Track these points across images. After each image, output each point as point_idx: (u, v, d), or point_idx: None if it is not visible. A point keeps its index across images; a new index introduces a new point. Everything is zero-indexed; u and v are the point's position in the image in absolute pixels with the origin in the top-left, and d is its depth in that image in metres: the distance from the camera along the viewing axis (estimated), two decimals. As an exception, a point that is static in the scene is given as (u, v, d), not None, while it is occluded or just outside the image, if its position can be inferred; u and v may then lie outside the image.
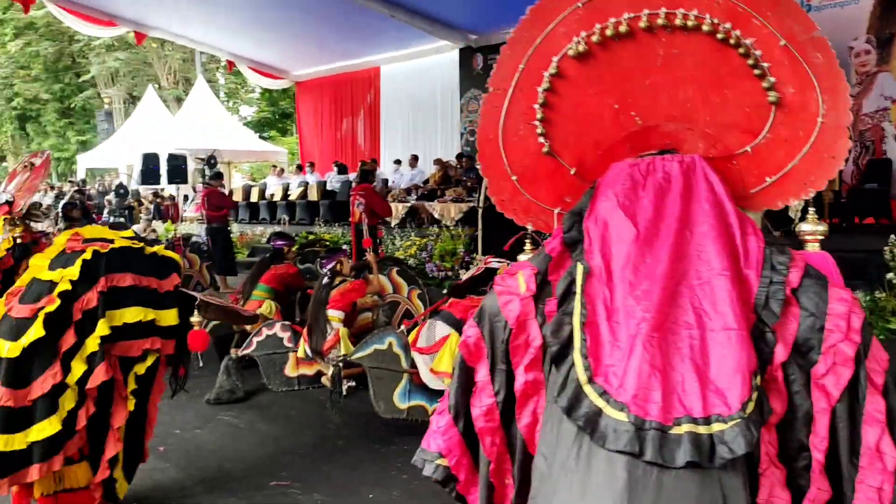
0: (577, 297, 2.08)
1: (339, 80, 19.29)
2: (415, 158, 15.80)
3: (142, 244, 3.85)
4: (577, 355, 2.01)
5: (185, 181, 17.29)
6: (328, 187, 16.12)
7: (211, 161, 15.22)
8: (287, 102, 29.10)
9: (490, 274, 4.70)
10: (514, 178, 2.49)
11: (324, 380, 5.26)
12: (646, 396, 1.86)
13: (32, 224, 5.29)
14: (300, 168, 19.03)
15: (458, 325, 4.45)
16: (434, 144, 16.62)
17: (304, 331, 5.41)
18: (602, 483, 1.85)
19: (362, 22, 14.63)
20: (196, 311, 3.82)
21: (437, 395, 4.40)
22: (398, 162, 16.38)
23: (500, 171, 2.50)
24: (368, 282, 5.82)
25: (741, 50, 2.26)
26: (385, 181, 15.50)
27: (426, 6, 13.94)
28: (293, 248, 6.89)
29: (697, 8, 2.26)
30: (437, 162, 14.97)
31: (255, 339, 5.52)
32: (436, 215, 12.57)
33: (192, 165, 17.70)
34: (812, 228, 2.37)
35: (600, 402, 1.90)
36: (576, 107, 2.43)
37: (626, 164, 2.27)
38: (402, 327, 5.02)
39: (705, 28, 2.26)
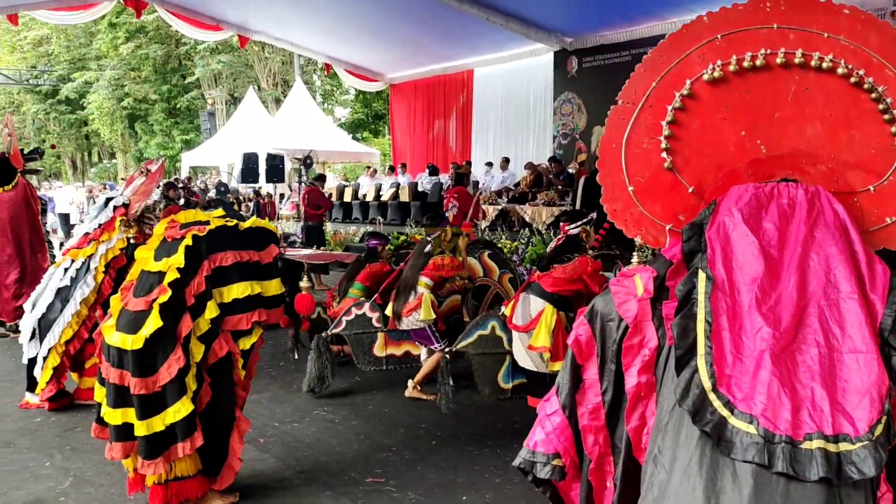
0: (701, 305, 2.11)
1: (432, 83, 19.47)
2: (506, 161, 15.79)
3: (235, 221, 4.02)
4: (701, 361, 2.03)
5: (282, 180, 17.81)
6: (419, 188, 16.29)
7: (307, 161, 15.63)
8: (380, 104, 29.59)
9: (571, 241, 4.74)
10: (630, 188, 2.55)
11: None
12: (775, 411, 1.89)
13: (145, 226, 5.59)
14: (392, 169, 19.29)
15: (550, 299, 4.59)
16: (526, 147, 16.60)
17: (393, 293, 5.64)
18: (728, 490, 1.87)
19: (457, 25, 14.74)
20: (304, 277, 3.94)
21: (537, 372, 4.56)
22: (489, 164, 16.40)
23: (617, 181, 2.57)
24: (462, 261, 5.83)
25: (873, 95, 2.36)
26: (476, 183, 15.56)
27: (522, 9, 13.94)
28: (387, 248, 7.01)
29: (833, 52, 2.37)
30: (529, 165, 14.92)
31: (345, 319, 5.76)
32: (527, 219, 12.55)
33: (288, 165, 18.21)
34: None
35: (725, 412, 1.93)
36: (703, 128, 2.51)
37: (749, 186, 2.31)
38: (503, 309, 5.06)
39: (840, 71, 2.37)
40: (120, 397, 3.64)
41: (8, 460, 4.67)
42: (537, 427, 2.54)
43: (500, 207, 13.45)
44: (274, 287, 3.93)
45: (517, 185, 14.84)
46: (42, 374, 5.45)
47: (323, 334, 5.81)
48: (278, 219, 17.13)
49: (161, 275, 3.71)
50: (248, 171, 17.42)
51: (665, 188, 2.53)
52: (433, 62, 18.54)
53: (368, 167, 19.80)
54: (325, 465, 4.54)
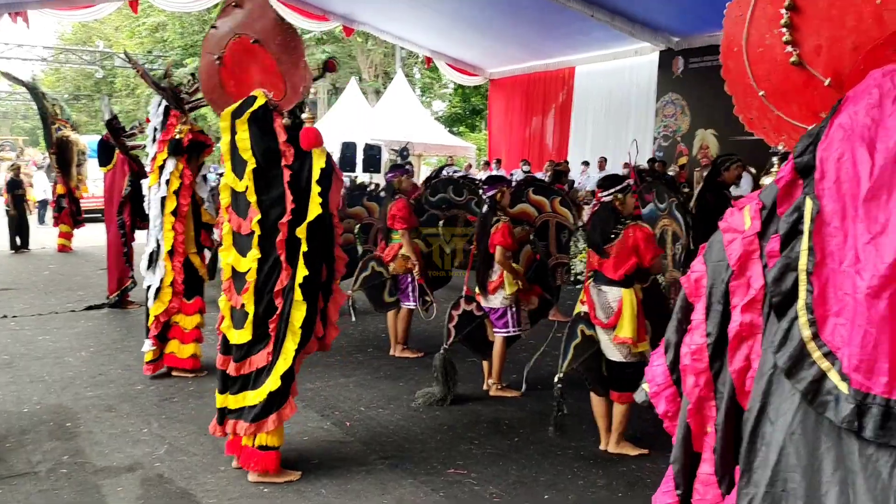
0: (805, 241, 1.91)
1: (532, 79, 19.34)
2: (603, 160, 15.56)
3: None
4: (801, 307, 1.87)
5: (378, 170, 18.03)
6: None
7: (404, 153, 15.79)
8: (478, 99, 29.58)
9: (605, 209, 4.61)
10: (761, 93, 2.29)
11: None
12: (870, 368, 1.71)
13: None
14: (486, 164, 19.27)
15: (621, 284, 4.49)
16: (625, 148, 16.25)
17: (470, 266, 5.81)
18: (831, 455, 1.76)
19: (560, 21, 14.60)
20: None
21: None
22: (586, 163, 16.20)
23: (746, 87, 2.32)
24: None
25: None
26: (571, 182, 15.39)
27: (627, 6, 13.68)
28: (403, 179, 6.79)
29: None
30: (627, 165, 14.63)
31: (363, 275, 6.65)
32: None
33: (385, 156, 18.44)
34: None
35: (825, 364, 1.80)
36: (829, 6, 2.14)
37: (881, 72, 1.95)
38: (578, 307, 4.81)
39: None
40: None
41: (110, 424, 4.91)
42: (648, 370, 2.51)
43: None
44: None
45: (614, 185, 14.58)
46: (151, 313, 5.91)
47: (442, 351, 5.62)
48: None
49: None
50: (346, 160, 17.69)
51: (798, 86, 2.22)
52: (534, 58, 18.43)
53: (464, 162, 19.84)
54: (408, 452, 4.58)
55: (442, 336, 5.63)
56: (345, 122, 21.33)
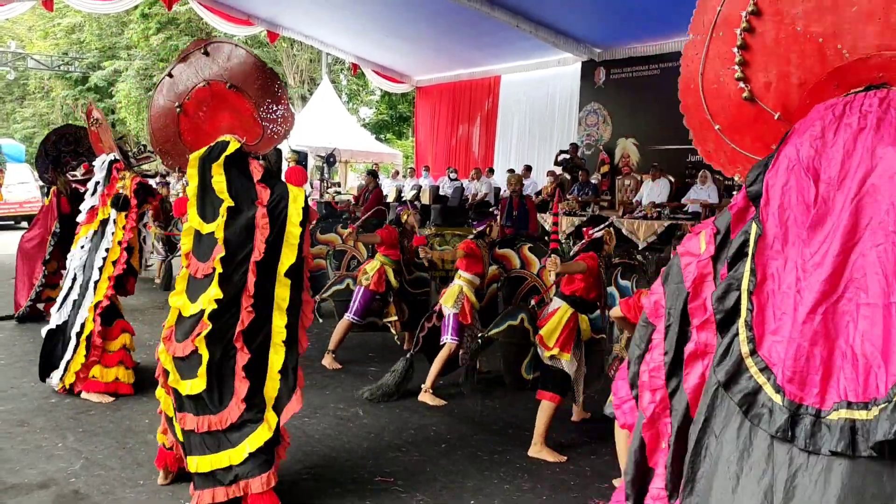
0: (748, 262, 2.00)
1: (458, 87, 19.50)
2: (528, 169, 15.77)
3: None
4: (742, 325, 1.95)
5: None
6: (441, 192, 16.30)
7: (330, 159, 15.72)
8: (405, 106, 29.64)
9: (594, 245, 4.85)
10: (717, 127, 2.39)
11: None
12: (803, 380, 1.80)
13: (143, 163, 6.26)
14: (413, 171, 19.32)
15: (565, 299, 4.73)
16: (549, 156, 16.55)
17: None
18: (763, 464, 1.81)
19: (486, 31, 14.74)
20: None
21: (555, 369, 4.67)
22: (511, 171, 16.35)
23: (703, 121, 2.42)
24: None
25: None
26: (497, 189, 15.57)
27: (551, 18, 13.92)
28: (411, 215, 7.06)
29: None
30: (551, 174, 14.89)
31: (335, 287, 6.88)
32: (546, 227, 12.49)
33: (311, 162, 18.27)
34: None
35: (761, 378, 1.87)
36: (776, 45, 2.25)
37: (822, 106, 2.08)
38: (532, 303, 5.22)
39: None
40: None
41: (22, 439, 4.71)
42: (614, 391, 2.55)
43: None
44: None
45: (538, 193, 14.80)
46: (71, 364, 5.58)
47: (409, 356, 5.92)
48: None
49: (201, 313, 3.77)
50: (271, 166, 17.50)
51: (751, 120, 2.33)
52: (460, 67, 18.59)
53: (391, 169, 19.83)
54: (334, 461, 4.54)
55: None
56: (270, 128, 21.04)
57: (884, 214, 1.84)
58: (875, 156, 1.91)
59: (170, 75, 4.19)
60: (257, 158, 3.96)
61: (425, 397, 5.73)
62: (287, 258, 3.81)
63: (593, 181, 14.00)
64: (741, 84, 2.31)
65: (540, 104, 17.15)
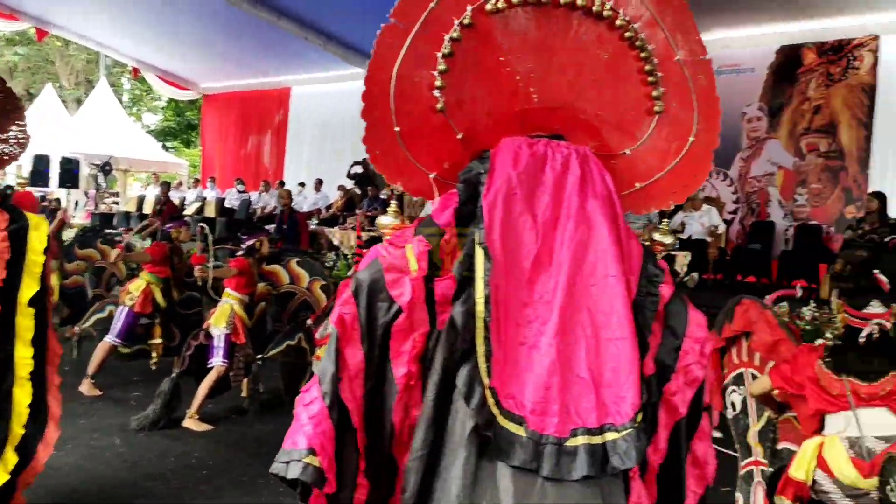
0: (480, 290, 1.92)
1: (248, 97, 19.01)
2: (319, 182, 15.67)
3: None
4: (480, 356, 1.88)
5: (76, 185, 16.61)
6: (227, 204, 15.77)
7: (106, 168, 14.73)
8: (193, 114, 28.41)
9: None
10: (397, 129, 2.16)
11: None
12: (544, 409, 1.82)
13: None
14: (197, 182, 18.59)
15: None
16: (341, 170, 16.54)
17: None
18: (487, 491, 1.81)
19: (276, 41, 14.50)
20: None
21: None
22: (302, 184, 16.21)
23: (383, 119, 2.16)
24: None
25: (643, 54, 2.24)
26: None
27: (341, 32, 13.94)
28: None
29: (615, 1, 2.19)
30: (342, 188, 14.89)
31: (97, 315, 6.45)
32: (335, 242, 12.44)
33: (86, 170, 17.04)
34: (660, 238, 2.39)
35: (495, 411, 1.84)
36: (479, 67, 2.19)
37: (523, 142, 2.11)
38: (309, 321, 5.08)
39: (618, 22, 2.19)
40: None
41: None
42: (295, 422, 2.06)
43: (309, 229, 13.26)
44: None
45: (329, 207, 14.75)
46: None
47: (174, 376, 5.59)
48: (68, 227, 15.91)
49: None
50: (38, 174, 16.05)
51: (433, 131, 2.19)
52: (250, 76, 18.14)
53: (173, 180, 18.95)
54: (83, 495, 4.21)
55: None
56: (38, 132, 19.39)
57: (595, 259, 1.98)
58: (581, 204, 2.04)
59: None
60: None
61: (190, 423, 5.45)
62: (29, 287, 3.47)
63: (383, 196, 14.14)
64: (437, 93, 2.17)
65: (332, 118, 17.02)
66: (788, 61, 11.92)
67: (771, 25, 11.69)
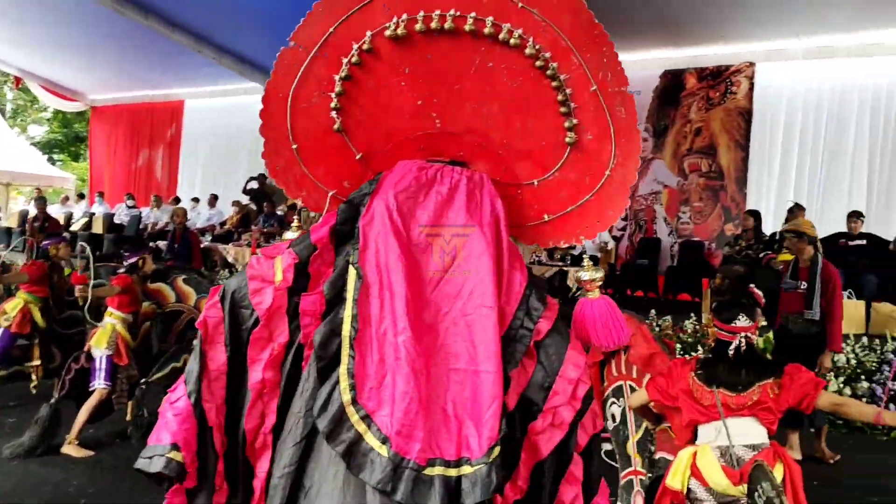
0: (349, 308, 1.95)
1: (139, 109, 18.42)
2: (214, 198, 15.31)
3: None
4: (343, 373, 1.89)
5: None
6: (116, 220, 15.20)
7: (-17, 181, 13.93)
8: (82, 126, 27.29)
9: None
10: (294, 146, 2.28)
11: None
12: (409, 433, 1.81)
13: None
14: (82, 196, 17.86)
15: None
16: (236, 186, 16.21)
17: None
18: None
19: (168, 52, 14.10)
20: None
21: None
22: (196, 200, 15.80)
23: (281, 136, 2.28)
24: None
25: (555, 83, 2.18)
26: (181, 218, 14.90)
27: (236, 46, 13.69)
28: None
29: (524, 28, 2.14)
30: (237, 204, 14.60)
31: None
32: (229, 259, 12.19)
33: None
34: (591, 276, 2.32)
35: (362, 427, 1.83)
36: (378, 90, 2.25)
37: (415, 165, 2.15)
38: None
39: (527, 51, 2.15)
40: None
41: None
42: (161, 419, 2.12)
43: (202, 246, 12.94)
44: None
45: (223, 223, 14.44)
46: None
47: (52, 401, 5.31)
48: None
49: None
50: None
51: (331, 150, 2.28)
52: (141, 88, 17.59)
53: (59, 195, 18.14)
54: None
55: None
56: None
57: (472, 288, 1.98)
58: (463, 230, 2.05)
59: None
60: None
61: (69, 449, 5.21)
62: None
63: (280, 212, 13.94)
64: (334, 114, 2.27)
65: (227, 133, 16.68)
66: (672, 85, 12.49)
67: (656, 51, 12.20)
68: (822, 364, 5.45)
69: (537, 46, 2.15)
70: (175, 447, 2.01)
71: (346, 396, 1.87)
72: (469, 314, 1.96)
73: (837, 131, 11.27)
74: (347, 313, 1.96)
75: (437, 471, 1.80)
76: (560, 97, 2.19)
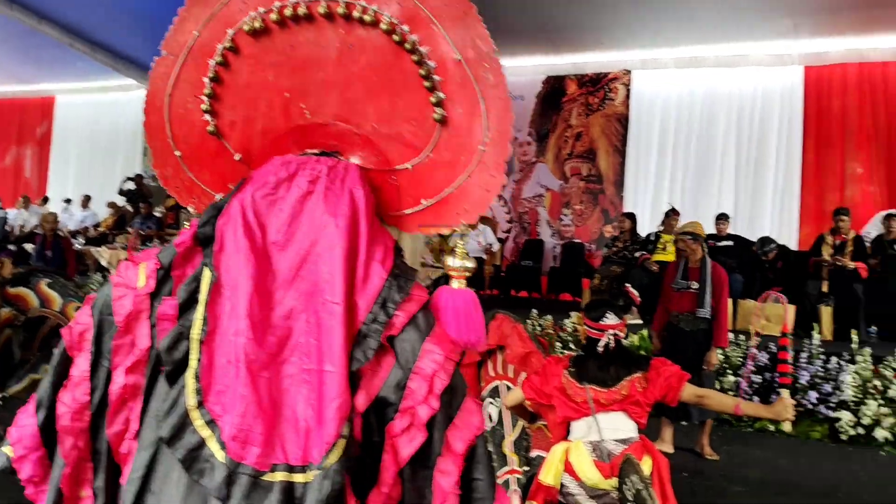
0: (200, 310, 1.89)
1: (5, 105, 17.36)
2: (87, 199, 14.64)
3: None
4: (190, 376, 1.83)
5: None
6: (-25, 223, 14.31)
7: None
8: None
9: None
10: (177, 153, 2.27)
11: None
12: (245, 438, 1.75)
13: None
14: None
15: None
16: (111, 186, 15.54)
17: None
18: None
19: (37, 45, 13.37)
20: None
21: None
22: (68, 201, 15.06)
23: (164, 144, 2.27)
24: None
25: (415, 57, 2.04)
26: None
27: (110, 40, 13.13)
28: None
29: (378, 2, 2.04)
30: (112, 205, 14.01)
31: None
32: (103, 263, 11.67)
33: None
34: (460, 264, 2.12)
35: (206, 433, 1.78)
36: (247, 88, 2.20)
37: (280, 160, 2.09)
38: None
39: (383, 26, 2.03)
40: None
41: None
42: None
43: (75, 249, 12.34)
44: None
45: (98, 225, 13.82)
46: None
47: None
48: None
49: None
50: None
51: (211, 154, 2.25)
52: (7, 82, 16.56)
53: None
54: None
55: None
56: None
57: (323, 283, 1.92)
58: (319, 224, 1.98)
59: None
60: None
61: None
62: None
63: (157, 214, 13.48)
64: (207, 117, 2.23)
65: (102, 131, 16.01)
66: (554, 91, 12.84)
67: (539, 56, 12.50)
68: (708, 360, 5.69)
69: (393, 20, 2.03)
70: (7, 444, 2.06)
71: (192, 401, 1.81)
72: (319, 310, 1.89)
73: (707, 137, 11.88)
74: (198, 315, 1.90)
75: (278, 476, 1.73)
76: (423, 71, 2.05)
